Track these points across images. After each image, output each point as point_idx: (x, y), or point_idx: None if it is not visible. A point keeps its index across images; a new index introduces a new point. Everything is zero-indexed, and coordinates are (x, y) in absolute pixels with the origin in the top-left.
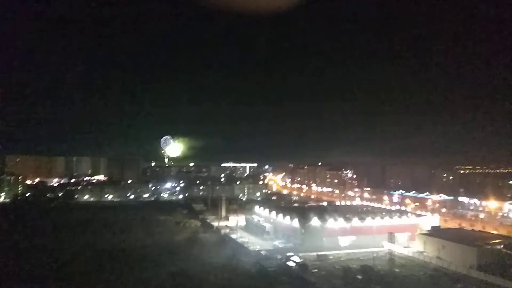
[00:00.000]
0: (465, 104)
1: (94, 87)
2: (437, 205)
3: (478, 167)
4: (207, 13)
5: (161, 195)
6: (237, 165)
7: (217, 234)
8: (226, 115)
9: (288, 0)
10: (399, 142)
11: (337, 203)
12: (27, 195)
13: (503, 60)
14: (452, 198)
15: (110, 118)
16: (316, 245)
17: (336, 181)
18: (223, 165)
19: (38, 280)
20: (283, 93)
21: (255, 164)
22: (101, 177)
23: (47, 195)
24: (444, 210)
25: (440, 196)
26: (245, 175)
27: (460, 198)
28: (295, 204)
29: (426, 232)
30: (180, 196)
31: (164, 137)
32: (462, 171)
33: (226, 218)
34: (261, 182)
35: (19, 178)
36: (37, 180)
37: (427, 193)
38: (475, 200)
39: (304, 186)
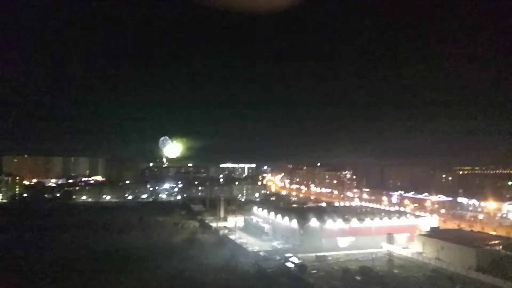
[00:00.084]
0: (464, 105)
1: (92, 87)
2: (436, 206)
3: (477, 168)
4: (207, 13)
5: (160, 195)
6: (235, 165)
7: (215, 235)
8: (225, 115)
9: (288, 0)
10: (398, 143)
11: (336, 204)
12: (24, 195)
13: (502, 60)
14: (451, 199)
15: (109, 118)
16: (315, 246)
17: (335, 182)
18: (221, 165)
19: (37, 280)
20: (282, 93)
21: (253, 165)
22: (99, 178)
23: (45, 195)
24: (443, 211)
25: (439, 197)
26: (244, 175)
27: (459, 199)
28: (294, 205)
29: (425, 233)
30: (179, 197)
31: (162, 138)
32: (461, 172)
33: (225, 219)
34: (259, 183)
35: (17, 178)
36: (34, 180)
37: (426, 194)
38: (474, 201)
39: (303, 187)
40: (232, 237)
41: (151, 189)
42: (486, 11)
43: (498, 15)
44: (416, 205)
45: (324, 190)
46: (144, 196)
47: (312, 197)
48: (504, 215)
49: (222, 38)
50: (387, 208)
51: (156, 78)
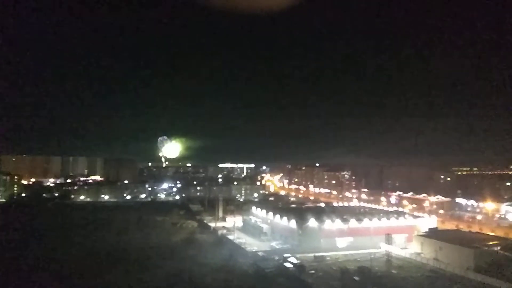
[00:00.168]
0: (463, 106)
1: (91, 87)
2: (435, 206)
3: (476, 168)
4: (207, 13)
5: (158, 195)
6: (234, 165)
7: (214, 235)
8: (224, 115)
9: (288, 0)
10: (397, 143)
11: (335, 204)
12: (23, 195)
13: (502, 61)
14: (449, 199)
15: (107, 118)
16: (314, 246)
17: (333, 182)
18: (220, 165)
19: (35, 280)
20: (281, 93)
21: (252, 165)
22: (98, 178)
23: (43, 195)
24: (441, 211)
25: (438, 198)
26: (243, 175)
27: (458, 200)
28: (293, 205)
29: (424, 233)
30: (177, 197)
31: (161, 137)
32: (459, 173)
33: (223, 219)
34: (258, 183)
35: (15, 178)
36: (33, 180)
37: (424, 194)
38: (472, 202)
39: (301, 187)
40: (230, 237)
41: (149, 189)
42: (486, 11)
43: (498, 15)
44: (414, 205)
45: (322, 190)
46: (143, 196)
47: (310, 197)
48: (503, 216)
49: (222, 38)
50: (386, 208)
51: (155, 78)
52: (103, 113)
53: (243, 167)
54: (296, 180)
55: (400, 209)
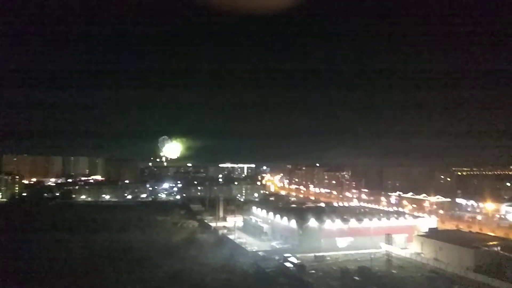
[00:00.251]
0: (463, 106)
1: (92, 86)
2: (435, 206)
3: (476, 169)
4: (207, 12)
5: (159, 195)
6: (235, 165)
7: (214, 234)
8: (224, 115)
9: (288, 0)
10: (397, 143)
11: (335, 204)
12: (24, 194)
13: (501, 61)
14: (449, 199)
15: (108, 118)
16: (314, 246)
17: (334, 182)
18: (221, 165)
19: (36, 280)
20: (281, 93)
21: (253, 165)
22: (99, 177)
23: (45, 194)
24: (441, 211)
25: (438, 198)
26: (243, 175)
27: (458, 200)
28: (293, 205)
29: (424, 233)
30: (178, 197)
31: (162, 137)
32: (459, 173)
33: (224, 219)
34: (259, 183)
35: (17, 177)
36: (34, 180)
37: (424, 194)
38: (472, 202)
39: (302, 187)
40: (231, 237)
41: (150, 188)
42: (486, 11)
43: (498, 15)
44: (414, 205)
45: (323, 190)
46: (144, 195)
47: (311, 197)
48: (503, 216)
49: (222, 38)
50: (386, 208)
51: (156, 78)
52: (104, 113)
53: (243, 167)
54: (297, 180)
55: (400, 209)
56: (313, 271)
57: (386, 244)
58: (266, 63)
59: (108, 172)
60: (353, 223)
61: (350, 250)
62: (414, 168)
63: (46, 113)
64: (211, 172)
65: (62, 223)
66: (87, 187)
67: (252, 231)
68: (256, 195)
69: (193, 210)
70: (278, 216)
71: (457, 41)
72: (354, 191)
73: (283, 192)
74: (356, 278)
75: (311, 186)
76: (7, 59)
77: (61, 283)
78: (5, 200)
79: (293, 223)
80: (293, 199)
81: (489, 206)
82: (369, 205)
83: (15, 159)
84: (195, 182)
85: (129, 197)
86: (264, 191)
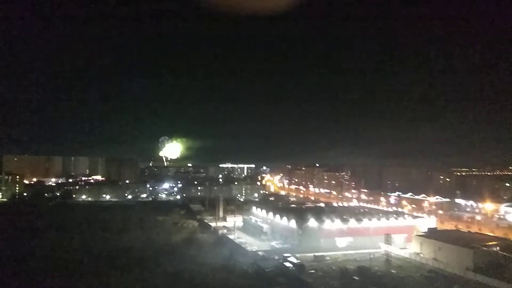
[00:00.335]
0: (462, 106)
1: (92, 86)
2: (434, 207)
3: (475, 169)
4: (207, 12)
5: (159, 195)
6: (235, 166)
7: (214, 234)
8: (224, 115)
9: (288, 0)
10: (396, 144)
11: (335, 204)
12: (24, 194)
13: (500, 61)
14: (448, 200)
15: (109, 118)
16: (313, 246)
17: (333, 182)
18: (221, 165)
19: (36, 279)
20: (281, 94)
21: (253, 165)
22: (99, 177)
23: (45, 194)
24: (440, 212)
25: (437, 198)
26: (243, 176)
27: (457, 200)
28: (293, 205)
29: (423, 233)
30: (178, 197)
31: (162, 138)
32: (458, 173)
33: (224, 219)
34: (258, 183)
35: (17, 177)
36: (34, 180)
37: (423, 195)
38: (471, 202)
39: (301, 187)
40: (231, 236)
41: (150, 188)
42: (486, 11)
43: (498, 15)
44: (413, 206)
45: (322, 190)
46: (144, 195)
47: (311, 198)
48: (502, 217)
49: (222, 38)
50: (385, 208)
51: (157, 78)
52: (105, 113)
53: (243, 167)
54: (296, 180)
55: (399, 209)
56: (313, 271)
57: (385, 244)
58: (266, 64)
59: (109, 172)
60: (352, 223)
61: (350, 250)
62: (413, 169)
63: (46, 113)
64: (211, 172)
65: (62, 223)
66: (87, 187)
67: (252, 231)
68: (256, 195)
69: (193, 210)
70: (277, 216)
71: (457, 41)
72: (353, 191)
73: (282, 192)
74: (356, 278)
75: (311, 186)
76: (7, 59)
77: (61, 282)
78: (5, 200)
79: (292, 223)
80: (292, 199)
81: (488, 206)
82: (369, 205)
83: (16, 159)
84: (195, 182)
85: (129, 197)
86: (264, 191)
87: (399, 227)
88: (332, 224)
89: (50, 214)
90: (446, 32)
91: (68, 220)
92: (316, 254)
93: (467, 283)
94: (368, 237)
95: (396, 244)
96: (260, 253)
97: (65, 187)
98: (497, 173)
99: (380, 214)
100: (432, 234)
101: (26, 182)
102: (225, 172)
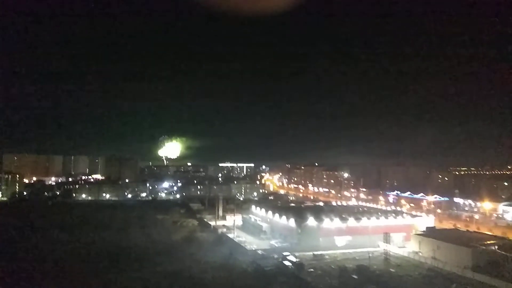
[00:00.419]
0: (461, 106)
1: (93, 86)
2: (432, 206)
3: (473, 168)
4: (207, 12)
5: (159, 194)
6: (234, 165)
7: (214, 233)
8: (224, 115)
9: (288, 1)
10: (395, 143)
11: (334, 203)
12: (24, 193)
13: (499, 61)
14: (447, 199)
15: (108, 117)
16: (313, 245)
17: (332, 181)
18: (220, 165)
19: (36, 279)
20: (281, 93)
21: (252, 164)
22: (99, 176)
23: (45, 193)
24: (439, 211)
25: (435, 197)
26: (242, 175)
27: (455, 199)
28: (292, 204)
29: (421, 232)
30: (178, 196)
31: (162, 137)
32: (457, 172)
33: (223, 218)
34: (258, 182)
35: (17, 176)
36: (34, 179)
37: (422, 194)
38: (469, 201)
39: (301, 187)
40: (230, 235)
41: (150, 187)
42: (486, 11)
43: (498, 16)
44: (412, 205)
45: (321, 189)
46: (144, 194)
47: (310, 197)
48: (500, 216)
49: (222, 38)
50: (384, 207)
51: (156, 77)
52: (105, 112)
53: (243, 167)
54: (296, 179)
55: (398, 208)
56: (312, 270)
57: (384, 243)
58: (266, 63)
59: (108, 171)
60: (351, 222)
61: (349, 249)
62: (412, 168)
63: (46, 113)
64: (211, 171)
65: (62, 222)
66: (87, 186)
67: (251, 229)
68: (255, 194)
69: (192, 209)
70: (277, 215)
71: (456, 42)
72: (352, 190)
73: (282, 191)
74: (354, 276)
75: (310, 186)
76: (7, 59)
77: (61, 282)
78: (5, 199)
79: (292, 222)
80: (292, 198)
81: (486, 205)
82: (367, 204)
83: (16, 158)
84: (195, 181)
85: (129, 196)
86: (263, 190)
87: (397, 226)
88: (331, 223)
89: (50, 213)
90: (446, 32)
91: (68, 219)
92: (315, 252)
93: (466, 282)
94: (367, 236)
95: (395, 243)
96: (259, 252)
97: (65, 186)
98: (496, 172)
99: (379, 213)
100: (430, 233)
101: (26, 181)
102: (225, 171)
